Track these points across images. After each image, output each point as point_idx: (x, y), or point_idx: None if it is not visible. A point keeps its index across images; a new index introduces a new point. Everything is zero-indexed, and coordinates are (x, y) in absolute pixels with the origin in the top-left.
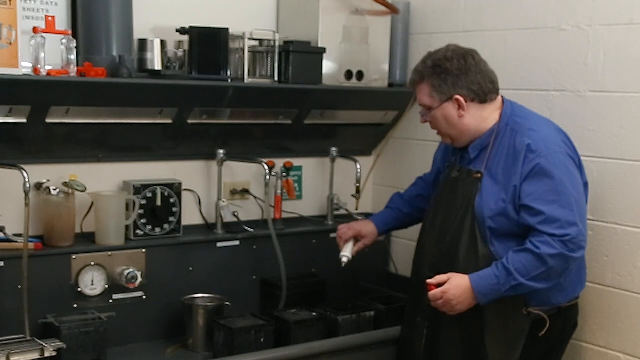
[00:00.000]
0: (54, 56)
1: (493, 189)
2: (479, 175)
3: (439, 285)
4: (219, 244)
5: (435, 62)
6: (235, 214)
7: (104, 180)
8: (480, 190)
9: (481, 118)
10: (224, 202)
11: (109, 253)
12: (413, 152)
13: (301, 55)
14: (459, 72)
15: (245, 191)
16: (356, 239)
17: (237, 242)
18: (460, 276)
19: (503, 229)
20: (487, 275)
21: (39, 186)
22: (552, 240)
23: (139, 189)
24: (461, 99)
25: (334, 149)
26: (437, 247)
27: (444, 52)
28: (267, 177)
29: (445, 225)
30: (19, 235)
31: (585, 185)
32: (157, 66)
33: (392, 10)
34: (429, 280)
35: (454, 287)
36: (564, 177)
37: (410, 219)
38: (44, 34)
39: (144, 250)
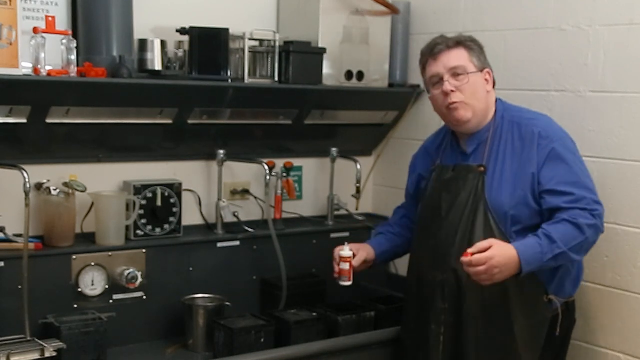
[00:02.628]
0: (54, 56)
1: (504, 180)
2: (482, 168)
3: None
4: (219, 244)
5: (467, 35)
6: (235, 214)
7: (104, 180)
8: (488, 184)
9: (490, 104)
10: (224, 202)
11: (109, 253)
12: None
13: (301, 55)
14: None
15: (245, 191)
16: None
17: (237, 242)
18: (503, 243)
19: (523, 218)
20: (530, 243)
21: (39, 186)
22: (584, 212)
23: (139, 189)
24: (491, 73)
25: (334, 149)
26: (445, 249)
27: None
28: (267, 177)
29: (450, 226)
30: (19, 235)
31: None
32: (157, 66)
33: (392, 10)
34: (469, 250)
35: (499, 254)
36: (577, 161)
37: (402, 239)
38: (44, 34)
39: (144, 250)
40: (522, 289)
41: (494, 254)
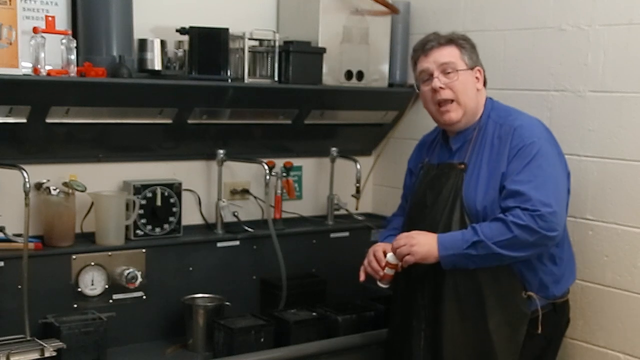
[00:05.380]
0: (54, 56)
1: (480, 180)
2: (463, 166)
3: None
4: (219, 244)
5: (460, 34)
6: (235, 214)
7: (104, 180)
8: (466, 182)
9: (480, 104)
10: (224, 202)
11: (109, 253)
12: None
13: (301, 55)
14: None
15: (245, 191)
16: None
17: (237, 242)
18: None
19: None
20: (453, 232)
21: (39, 186)
22: (521, 212)
23: (139, 189)
24: (482, 71)
25: (334, 149)
26: None
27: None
28: (267, 177)
29: (432, 221)
30: (19, 235)
31: (567, 175)
32: (157, 66)
33: (392, 10)
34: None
35: (419, 232)
36: (542, 161)
37: None
38: (44, 34)
39: (144, 250)
40: (497, 284)
41: (414, 232)
